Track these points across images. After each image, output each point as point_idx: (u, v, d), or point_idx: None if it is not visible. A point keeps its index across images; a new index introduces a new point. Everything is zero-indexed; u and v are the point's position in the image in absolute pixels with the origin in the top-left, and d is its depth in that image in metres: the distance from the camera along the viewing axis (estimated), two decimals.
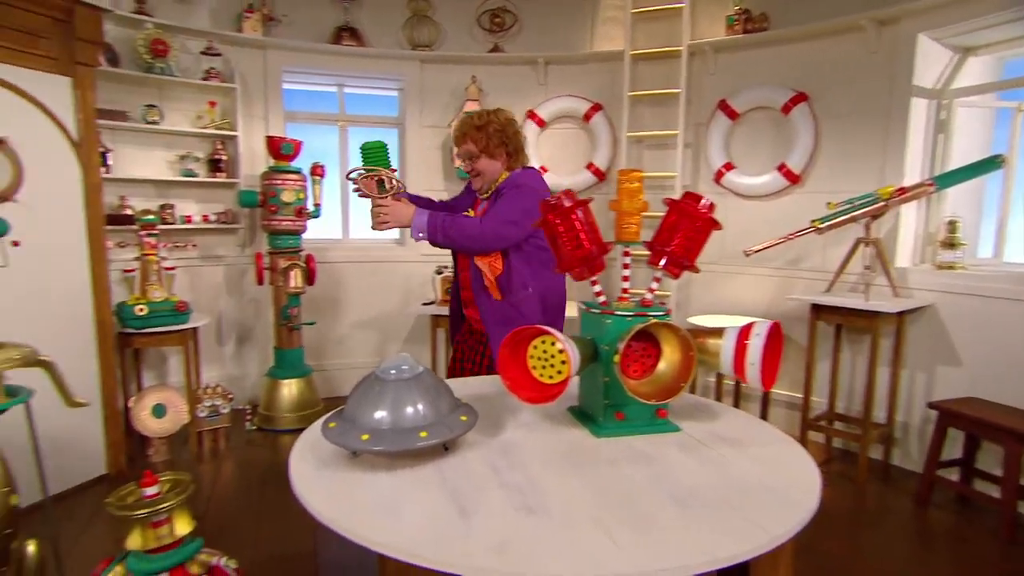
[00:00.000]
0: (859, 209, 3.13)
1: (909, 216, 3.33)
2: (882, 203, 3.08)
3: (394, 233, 4.39)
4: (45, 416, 1.79)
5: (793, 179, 3.67)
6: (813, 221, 3.20)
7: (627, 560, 0.94)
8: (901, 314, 3.16)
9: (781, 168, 3.69)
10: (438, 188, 4.49)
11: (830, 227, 3.19)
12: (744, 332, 1.47)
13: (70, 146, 2.83)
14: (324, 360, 4.43)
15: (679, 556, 0.96)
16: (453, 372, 2.52)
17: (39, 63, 2.68)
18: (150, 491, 1.46)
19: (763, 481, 1.25)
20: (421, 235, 2.07)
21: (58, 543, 1.77)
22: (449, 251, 2.33)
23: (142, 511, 1.41)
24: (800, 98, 3.59)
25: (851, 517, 2.83)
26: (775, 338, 1.47)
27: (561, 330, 2.40)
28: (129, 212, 3.65)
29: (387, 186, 2.06)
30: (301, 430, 1.78)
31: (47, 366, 1.61)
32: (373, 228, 2.10)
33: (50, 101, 2.72)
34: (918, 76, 3.20)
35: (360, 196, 2.05)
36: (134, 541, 1.43)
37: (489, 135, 2.18)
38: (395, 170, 2.07)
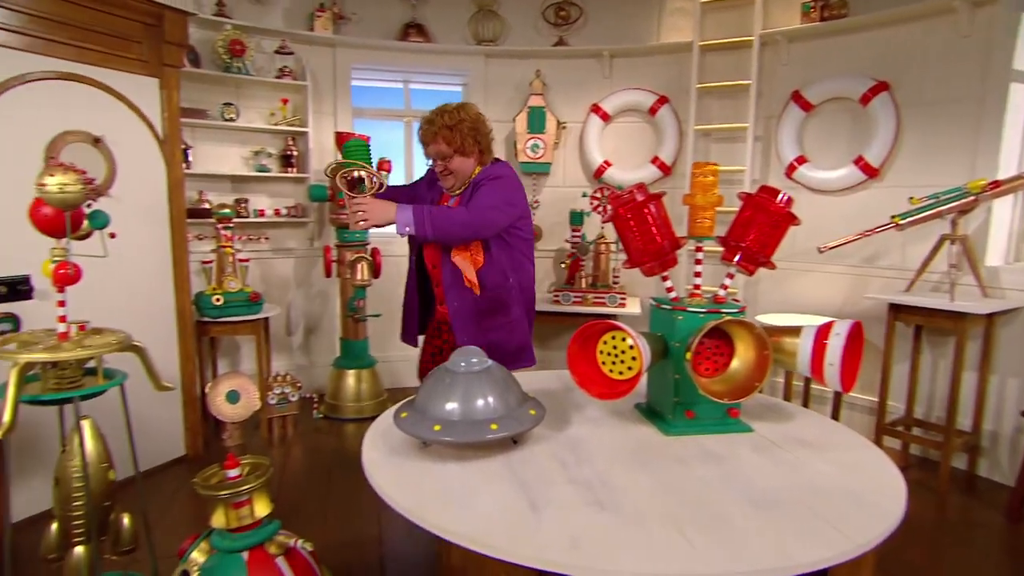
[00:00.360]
0: (945, 204, 2.95)
1: (1003, 211, 3.12)
2: (972, 197, 2.89)
3: None
4: (131, 399, 1.90)
5: (871, 173, 3.50)
6: (894, 217, 3.04)
7: (703, 560, 0.92)
8: (991, 316, 2.97)
9: (858, 161, 3.52)
10: None
11: (912, 223, 3.02)
12: (823, 331, 1.41)
13: (157, 144, 2.99)
14: (388, 352, 4.52)
15: (757, 559, 0.93)
16: (423, 364, 2.53)
17: (131, 66, 2.83)
18: (232, 473, 1.53)
19: (843, 486, 1.20)
20: (408, 229, 1.99)
21: (147, 516, 1.88)
22: (410, 250, 2.34)
23: (225, 491, 1.48)
24: (881, 87, 3.41)
25: (933, 528, 2.68)
26: (856, 338, 1.41)
27: (533, 320, 2.40)
28: (207, 206, 3.83)
29: (367, 184, 1.99)
30: (365, 419, 1.83)
31: (139, 351, 1.71)
32: (351, 229, 2.03)
33: (140, 101, 2.88)
34: (1019, 60, 2.98)
35: (348, 195, 2.01)
36: (218, 520, 1.51)
37: (463, 133, 2.11)
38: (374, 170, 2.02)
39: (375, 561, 2.39)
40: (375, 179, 2.04)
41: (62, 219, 1.52)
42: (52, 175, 1.47)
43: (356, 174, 2.02)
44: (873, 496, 1.16)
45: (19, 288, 2.38)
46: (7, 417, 1.41)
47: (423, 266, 2.35)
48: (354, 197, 2.00)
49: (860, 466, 1.31)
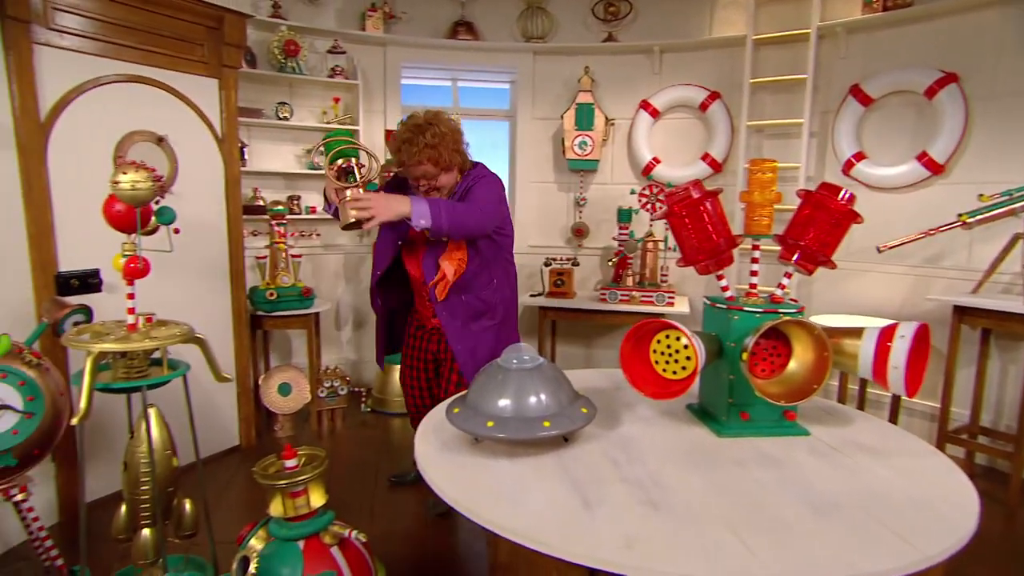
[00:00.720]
0: (1020, 201, 2.80)
1: None
2: None
3: None
4: (191, 390, 1.97)
5: (936, 169, 3.35)
6: (961, 215, 2.91)
7: (762, 565, 0.90)
8: None
9: (921, 157, 3.37)
10: (548, 180, 4.51)
11: (980, 221, 2.88)
12: (886, 333, 1.36)
13: (216, 142, 3.09)
14: None
15: (819, 567, 0.91)
16: (411, 378, 2.49)
17: (193, 68, 2.94)
18: (290, 463, 1.57)
19: (907, 493, 1.16)
20: (423, 222, 1.85)
21: (206, 502, 1.95)
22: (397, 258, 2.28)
23: (283, 481, 1.53)
24: (948, 79, 3.26)
25: (1002, 543, 2.55)
26: (921, 341, 1.35)
27: (516, 321, 2.36)
28: (261, 203, 3.94)
29: (358, 176, 1.83)
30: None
31: (201, 343, 1.77)
32: (344, 226, 1.82)
33: (200, 101, 2.99)
34: None
35: (340, 186, 1.86)
36: (275, 508, 1.55)
37: (449, 150, 2.06)
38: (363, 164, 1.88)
39: (422, 555, 2.42)
40: (365, 170, 1.85)
41: (133, 215, 1.59)
42: (125, 173, 1.54)
43: (342, 161, 1.84)
44: (941, 505, 1.11)
45: (90, 281, 2.51)
46: (83, 404, 1.48)
47: (392, 279, 2.35)
48: (348, 188, 1.82)
49: (925, 474, 1.26)
